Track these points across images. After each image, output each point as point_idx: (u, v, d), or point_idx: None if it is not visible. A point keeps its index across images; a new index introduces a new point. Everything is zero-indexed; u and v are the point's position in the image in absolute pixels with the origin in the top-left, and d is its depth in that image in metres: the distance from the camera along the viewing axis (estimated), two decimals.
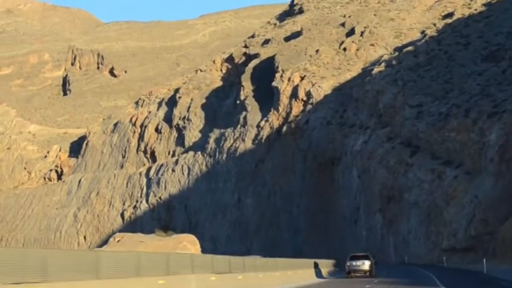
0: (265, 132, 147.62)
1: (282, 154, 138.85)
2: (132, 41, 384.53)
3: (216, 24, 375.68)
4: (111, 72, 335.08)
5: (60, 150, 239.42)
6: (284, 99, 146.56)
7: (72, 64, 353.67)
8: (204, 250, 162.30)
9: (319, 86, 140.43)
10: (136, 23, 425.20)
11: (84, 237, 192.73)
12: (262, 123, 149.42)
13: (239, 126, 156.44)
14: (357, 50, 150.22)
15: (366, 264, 55.06)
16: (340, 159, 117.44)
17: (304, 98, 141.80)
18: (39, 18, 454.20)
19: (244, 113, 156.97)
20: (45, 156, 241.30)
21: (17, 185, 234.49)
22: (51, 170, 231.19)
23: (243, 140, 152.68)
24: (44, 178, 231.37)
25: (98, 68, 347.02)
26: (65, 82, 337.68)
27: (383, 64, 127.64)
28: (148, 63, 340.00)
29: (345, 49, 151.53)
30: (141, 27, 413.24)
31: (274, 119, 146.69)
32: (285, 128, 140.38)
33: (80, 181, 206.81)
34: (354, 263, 55.57)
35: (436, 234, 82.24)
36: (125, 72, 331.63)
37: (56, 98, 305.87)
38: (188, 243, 70.39)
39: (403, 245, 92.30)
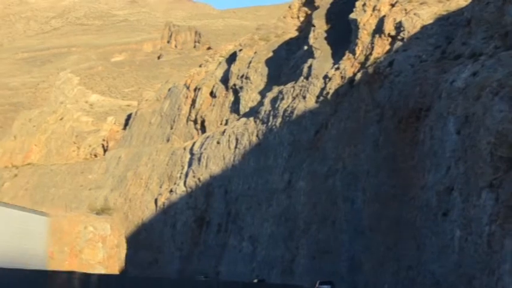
0: (333, 85, 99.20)
1: (351, 114, 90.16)
2: (235, 20, 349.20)
3: None
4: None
5: (114, 122, 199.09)
6: (364, 36, 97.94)
7: (168, 42, 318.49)
8: (241, 252, 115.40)
9: (414, 14, 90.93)
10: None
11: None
12: (332, 72, 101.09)
13: (301, 78, 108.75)
14: None
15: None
16: (430, 108, 67.75)
17: (393, 33, 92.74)
18: (164, 10, 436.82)
19: (310, 61, 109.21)
20: (99, 130, 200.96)
21: (65, 162, 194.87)
22: (98, 145, 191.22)
23: (304, 98, 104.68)
24: (90, 154, 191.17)
25: (195, 46, 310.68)
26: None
27: None
28: None
29: None
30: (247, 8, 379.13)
31: (348, 66, 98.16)
32: (359, 75, 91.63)
33: (119, 158, 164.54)
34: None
35: None
36: None
37: (128, 69, 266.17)
38: None
39: None
